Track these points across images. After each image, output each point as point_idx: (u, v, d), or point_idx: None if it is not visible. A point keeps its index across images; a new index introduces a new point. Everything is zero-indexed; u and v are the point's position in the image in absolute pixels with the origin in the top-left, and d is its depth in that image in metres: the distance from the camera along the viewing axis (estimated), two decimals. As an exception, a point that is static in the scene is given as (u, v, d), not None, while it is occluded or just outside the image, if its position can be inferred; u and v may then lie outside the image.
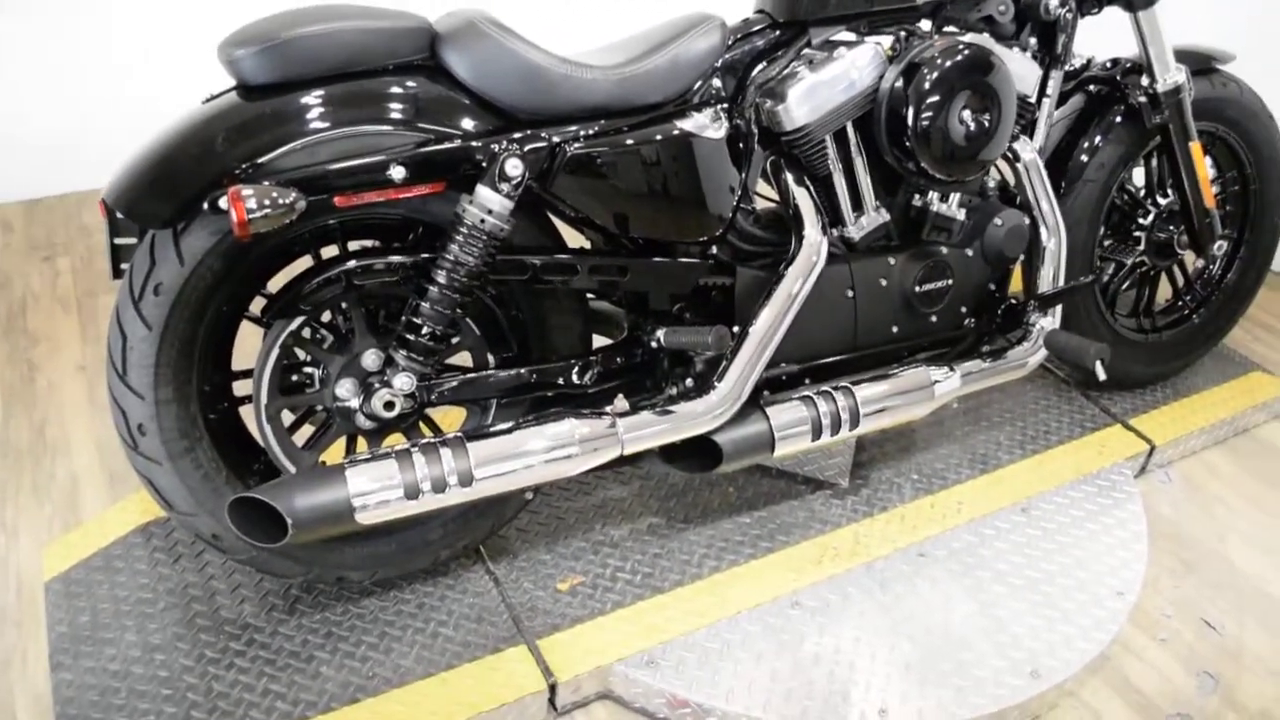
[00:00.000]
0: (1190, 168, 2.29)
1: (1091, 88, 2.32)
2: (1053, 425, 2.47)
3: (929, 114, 1.84)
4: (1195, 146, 2.28)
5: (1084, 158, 2.26)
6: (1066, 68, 2.30)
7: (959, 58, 1.86)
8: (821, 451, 2.22)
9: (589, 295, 1.90)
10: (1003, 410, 2.50)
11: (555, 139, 1.65)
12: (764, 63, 1.89)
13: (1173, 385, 2.66)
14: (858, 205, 1.99)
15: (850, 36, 1.94)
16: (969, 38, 1.95)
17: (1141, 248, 2.45)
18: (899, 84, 1.85)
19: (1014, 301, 2.11)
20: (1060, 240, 2.14)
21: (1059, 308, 2.14)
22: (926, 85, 1.83)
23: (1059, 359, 2.09)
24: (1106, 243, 2.49)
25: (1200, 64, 2.34)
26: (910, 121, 1.84)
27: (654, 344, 1.84)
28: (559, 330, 1.84)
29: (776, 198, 1.95)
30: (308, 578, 1.86)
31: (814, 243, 1.88)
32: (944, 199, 2.04)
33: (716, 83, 1.84)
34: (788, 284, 1.86)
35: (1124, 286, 2.52)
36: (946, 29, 2.02)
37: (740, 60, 1.88)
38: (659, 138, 1.73)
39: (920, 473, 2.28)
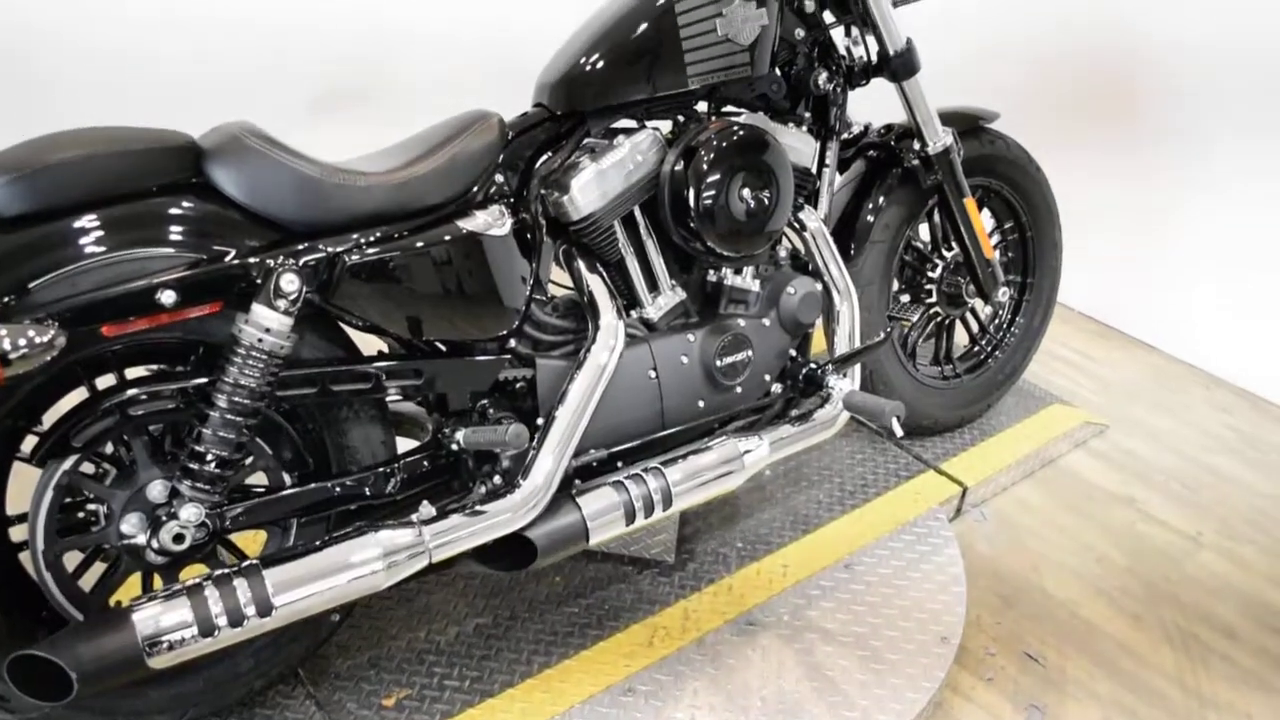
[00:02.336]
0: (967, 222, 2.42)
1: (870, 153, 2.43)
2: (869, 478, 2.54)
3: (710, 194, 1.89)
4: (969, 202, 2.40)
5: (869, 220, 2.36)
6: (844, 136, 2.41)
7: (734, 139, 1.92)
8: (644, 530, 2.22)
9: (389, 398, 1.86)
10: (821, 468, 2.56)
11: (333, 250, 1.62)
12: (546, 155, 1.91)
13: (979, 426, 2.79)
14: (654, 286, 2.02)
15: (630, 123, 1.98)
16: (744, 118, 2.02)
17: (933, 299, 2.56)
18: (679, 167, 1.90)
19: (814, 365, 2.17)
20: (852, 303, 2.22)
21: (857, 367, 2.21)
22: (705, 167, 1.88)
23: (860, 418, 2.15)
24: (903, 298, 2.60)
25: (968, 124, 2.48)
26: (692, 203, 1.88)
27: (455, 446, 1.81)
28: (358, 440, 1.79)
29: (571, 285, 1.96)
30: (110, 728, 1.74)
31: (611, 327, 1.89)
32: (738, 272, 2.09)
33: (499, 178, 1.85)
34: (588, 371, 1.86)
35: (922, 336, 2.63)
36: (724, 109, 2.09)
37: (521, 154, 1.89)
38: (442, 240, 1.72)
39: (745, 540, 2.31)
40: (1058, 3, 3.43)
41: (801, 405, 2.21)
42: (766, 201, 1.96)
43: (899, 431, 1.99)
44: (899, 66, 2.22)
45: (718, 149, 1.89)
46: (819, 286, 2.18)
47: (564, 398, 1.85)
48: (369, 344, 1.81)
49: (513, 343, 1.87)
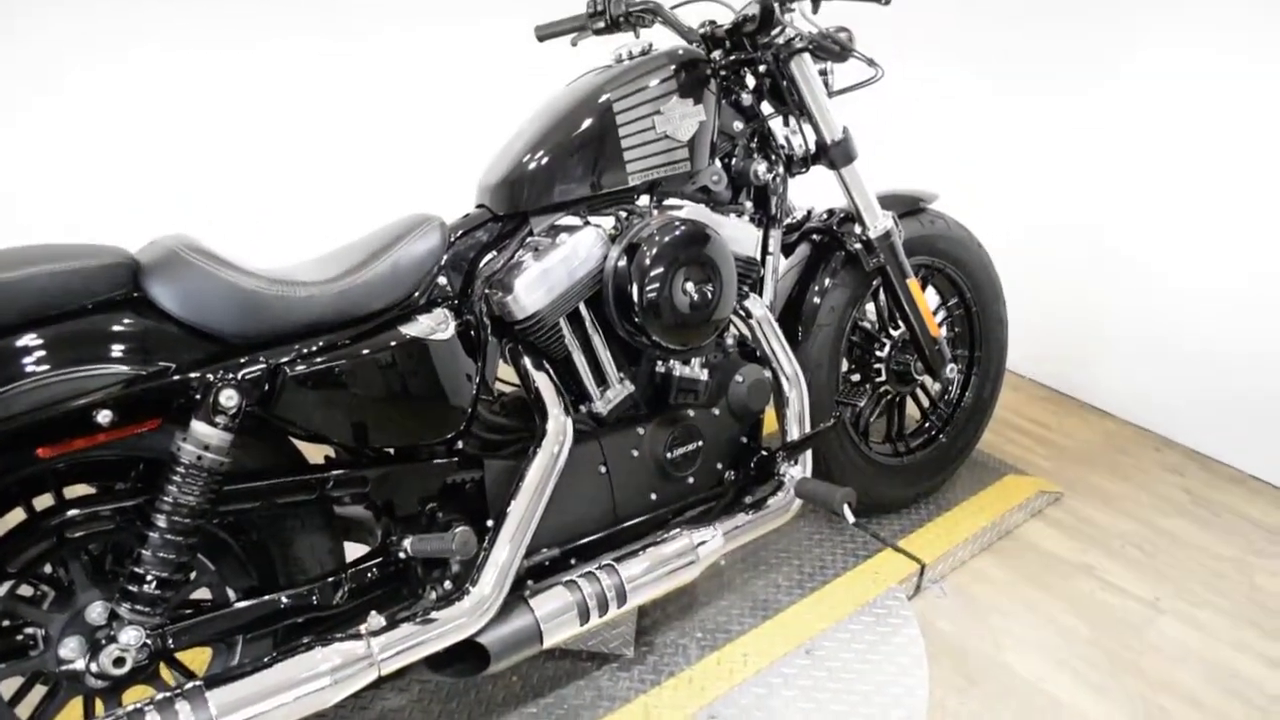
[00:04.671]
0: (911, 302, 2.45)
1: (814, 237, 2.46)
2: (828, 559, 2.53)
3: (653, 289, 1.90)
4: (912, 283, 2.44)
5: (815, 304, 2.38)
6: (787, 222, 2.45)
7: (675, 233, 1.94)
8: (603, 625, 2.19)
9: (336, 504, 1.83)
10: (779, 551, 2.54)
11: (273, 362, 1.61)
12: (489, 255, 1.92)
13: (935, 501, 2.79)
14: (601, 380, 2.03)
15: (574, 220, 2.00)
16: (685, 212, 2.04)
17: (883, 378, 2.58)
18: (622, 263, 1.91)
19: (765, 452, 2.17)
20: (801, 389, 2.23)
21: (809, 452, 2.22)
22: (647, 262, 1.90)
23: (812, 505, 2.15)
24: (854, 377, 2.63)
25: (908, 206, 2.52)
26: (636, 298, 1.90)
27: (402, 554, 1.79)
28: (305, 550, 1.77)
29: (518, 383, 1.96)
30: None
31: (559, 424, 1.89)
32: (686, 362, 2.10)
33: (442, 281, 1.85)
34: (536, 470, 1.85)
35: (873, 415, 2.64)
36: (667, 202, 2.12)
37: (464, 255, 1.90)
38: (385, 347, 1.71)
39: (704, 629, 2.28)
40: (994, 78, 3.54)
41: (755, 492, 2.21)
42: (709, 293, 1.98)
43: (850, 518, 1.99)
44: (836, 155, 2.26)
45: (659, 244, 1.91)
46: (767, 373, 2.19)
47: (513, 498, 1.83)
48: (314, 449, 1.79)
49: (460, 444, 1.87)
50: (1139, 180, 3.24)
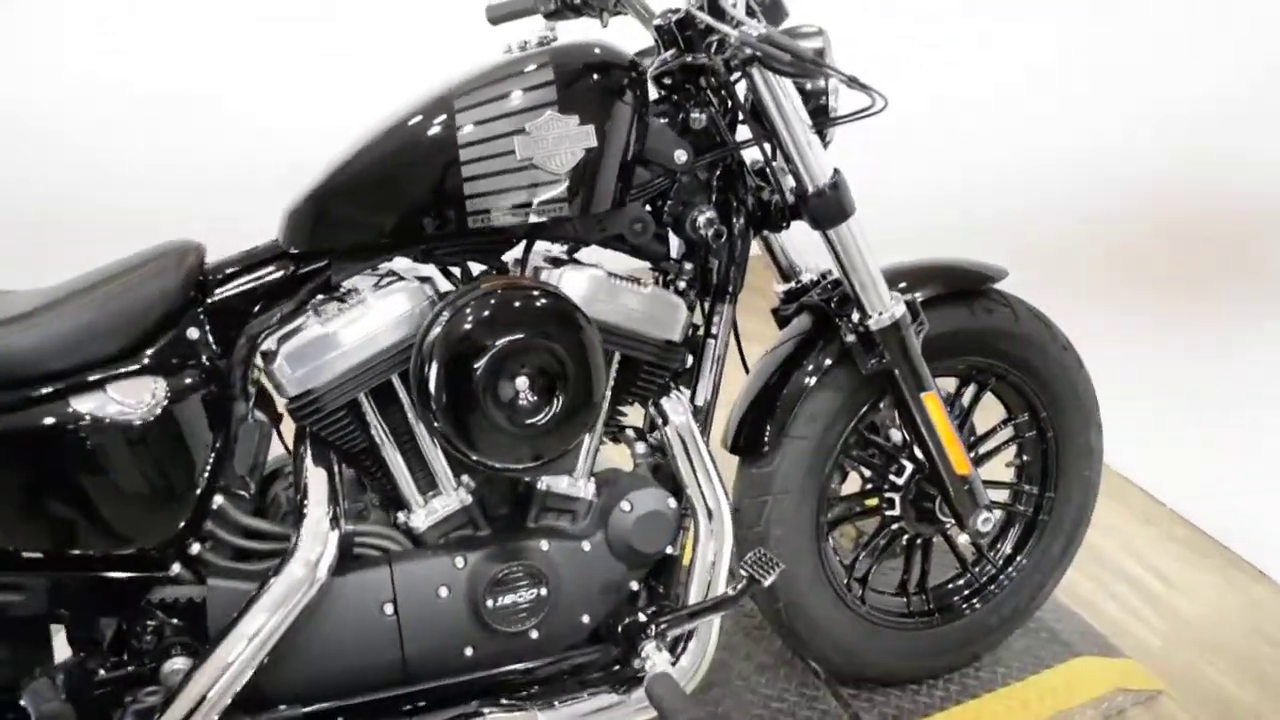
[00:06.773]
0: (928, 423, 1.75)
1: (812, 314, 1.81)
2: (773, 738, 1.89)
3: (460, 382, 1.35)
4: (930, 398, 1.73)
5: (791, 406, 1.74)
6: (789, 286, 1.84)
7: (514, 304, 1.38)
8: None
9: None
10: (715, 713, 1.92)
11: None
12: (271, 307, 1.43)
13: (960, 680, 2.07)
14: (431, 483, 1.50)
15: (406, 267, 1.48)
16: (559, 272, 1.47)
17: (895, 510, 1.90)
18: (431, 337, 1.37)
19: (641, 619, 1.56)
20: (723, 531, 1.60)
21: (714, 627, 1.60)
22: (456, 342, 1.35)
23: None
24: (869, 501, 1.96)
25: (954, 285, 1.82)
26: (433, 389, 1.35)
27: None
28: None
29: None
30: None
31: (315, 537, 1.37)
32: (564, 471, 1.54)
33: (193, 334, 1.38)
34: (266, 601, 1.35)
35: (879, 555, 1.96)
36: (551, 252, 1.55)
37: (234, 303, 1.41)
38: (38, 426, 1.26)
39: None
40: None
41: (646, 664, 1.59)
42: (554, 398, 1.40)
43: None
44: (818, 208, 1.59)
45: (481, 317, 1.35)
46: (672, 502, 1.58)
47: (227, 633, 1.35)
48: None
49: (196, 548, 1.40)
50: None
